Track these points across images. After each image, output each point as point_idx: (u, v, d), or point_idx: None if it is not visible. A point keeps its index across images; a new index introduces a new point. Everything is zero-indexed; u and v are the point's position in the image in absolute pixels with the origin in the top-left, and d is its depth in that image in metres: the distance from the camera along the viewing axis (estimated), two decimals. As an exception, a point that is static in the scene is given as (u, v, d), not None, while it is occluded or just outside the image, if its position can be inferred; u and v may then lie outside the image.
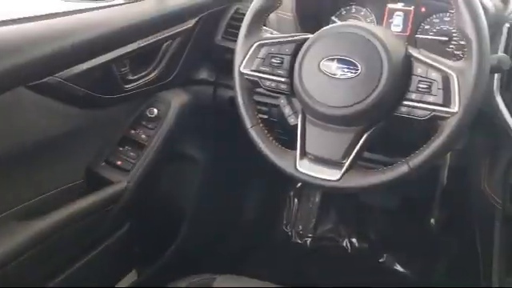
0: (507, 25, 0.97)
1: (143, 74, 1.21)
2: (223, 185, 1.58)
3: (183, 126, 1.28)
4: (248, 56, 0.92)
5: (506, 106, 0.96)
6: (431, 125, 0.79)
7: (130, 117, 1.24)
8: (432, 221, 1.43)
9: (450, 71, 0.77)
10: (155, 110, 1.25)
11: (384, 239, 1.70)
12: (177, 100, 1.28)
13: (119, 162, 1.21)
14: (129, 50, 1.10)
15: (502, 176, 1.00)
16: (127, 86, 1.16)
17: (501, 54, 0.92)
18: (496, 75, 0.96)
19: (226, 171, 1.55)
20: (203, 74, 1.36)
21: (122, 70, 1.14)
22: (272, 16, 1.09)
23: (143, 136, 1.23)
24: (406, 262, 1.65)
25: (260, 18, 0.93)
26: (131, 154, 1.21)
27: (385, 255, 1.68)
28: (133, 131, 1.24)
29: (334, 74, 0.82)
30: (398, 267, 1.66)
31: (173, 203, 1.46)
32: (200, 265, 1.28)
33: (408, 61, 0.81)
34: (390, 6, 1.15)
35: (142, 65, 1.21)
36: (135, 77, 1.19)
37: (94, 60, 1.03)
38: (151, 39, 1.15)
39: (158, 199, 1.35)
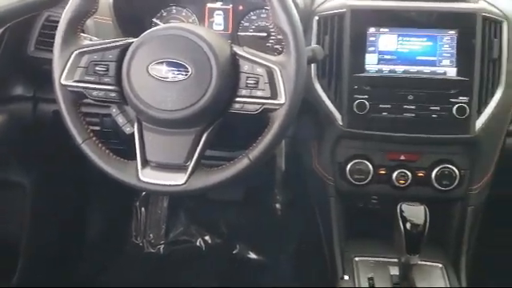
0: (316, 17, 1.07)
1: None
2: (58, 209, 1.45)
3: (2, 150, 1.13)
4: (68, 66, 0.85)
5: (325, 91, 1.06)
6: (263, 117, 0.83)
7: None
8: (277, 205, 1.52)
9: (272, 66, 0.81)
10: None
11: (235, 231, 1.75)
12: (-10, 122, 1.13)
13: None
14: None
15: (329, 155, 1.10)
16: None
17: (314, 45, 1.01)
18: (313, 65, 1.05)
19: (59, 193, 1.43)
20: (19, 90, 1.24)
21: None
22: (89, 22, 1.02)
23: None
24: (257, 248, 1.72)
25: (76, 25, 0.87)
26: None
27: (238, 246, 1.73)
28: None
29: (165, 78, 0.80)
30: (252, 255, 1.72)
31: (2, 239, 1.29)
32: None
33: (234, 59, 0.83)
34: (210, 5, 1.17)
35: None
36: None
37: None
38: None
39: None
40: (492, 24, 1.02)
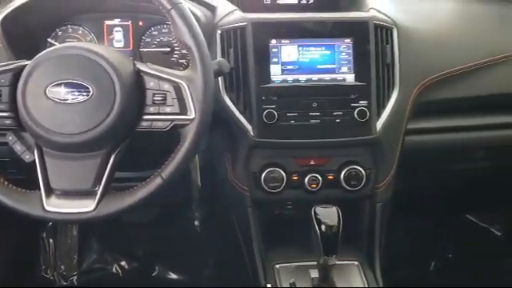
0: (219, 31, 1.07)
1: None
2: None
3: None
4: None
5: (234, 104, 1.07)
6: (174, 133, 0.81)
7: None
8: (195, 222, 1.49)
9: (179, 81, 0.80)
10: None
11: (153, 252, 1.70)
12: None
13: None
14: None
15: (244, 166, 1.11)
16: None
17: (220, 58, 1.01)
18: (220, 78, 1.05)
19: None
20: None
21: None
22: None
23: None
24: (177, 268, 1.68)
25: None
26: None
27: (157, 268, 1.68)
28: None
29: (65, 100, 0.76)
30: (172, 275, 1.68)
31: None
32: None
33: (138, 76, 0.81)
34: (108, 22, 1.14)
35: None
36: None
37: None
38: None
39: None
40: (383, 31, 1.10)
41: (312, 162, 1.11)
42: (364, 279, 1.09)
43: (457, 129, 1.21)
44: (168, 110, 0.80)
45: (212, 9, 1.13)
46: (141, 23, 1.15)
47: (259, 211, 1.16)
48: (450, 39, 1.19)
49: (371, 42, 1.08)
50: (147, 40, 1.15)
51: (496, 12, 1.27)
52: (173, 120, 0.79)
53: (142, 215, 1.63)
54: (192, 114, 0.80)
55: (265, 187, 1.10)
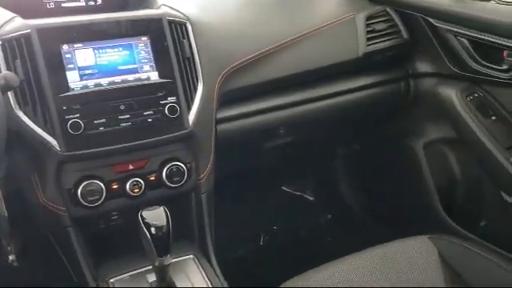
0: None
1: None
2: None
3: None
4: None
5: (31, 119, 0.97)
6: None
7: None
8: (11, 257, 1.33)
9: None
10: None
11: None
12: None
13: None
14: None
15: (55, 185, 1.02)
16: None
17: (5, 72, 0.91)
18: (10, 93, 0.95)
19: None
20: None
21: None
22: None
23: None
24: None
25: None
26: None
27: None
28: None
29: None
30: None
31: None
32: None
33: None
34: None
35: None
36: None
37: None
38: None
39: None
40: (178, 26, 1.11)
41: (131, 167, 1.08)
42: (201, 270, 1.11)
43: (260, 111, 1.30)
44: None
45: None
46: None
47: (82, 229, 1.09)
48: (240, 30, 1.26)
49: (168, 38, 1.08)
50: None
51: (278, 0, 1.39)
52: None
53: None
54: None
55: (83, 203, 1.03)
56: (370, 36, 1.37)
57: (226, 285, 1.11)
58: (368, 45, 1.36)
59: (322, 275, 1.00)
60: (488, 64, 1.27)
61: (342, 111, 1.44)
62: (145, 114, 1.05)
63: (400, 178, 1.62)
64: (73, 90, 1.00)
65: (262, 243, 1.90)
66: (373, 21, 1.39)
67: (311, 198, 2.03)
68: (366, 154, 1.78)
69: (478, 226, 1.41)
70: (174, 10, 1.14)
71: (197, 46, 1.13)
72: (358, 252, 1.06)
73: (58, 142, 0.98)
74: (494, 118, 1.29)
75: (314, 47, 1.31)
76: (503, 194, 1.28)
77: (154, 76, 1.07)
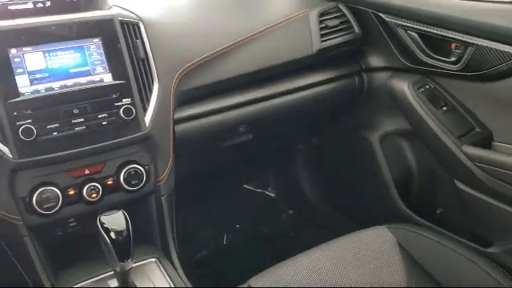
0: None
1: None
2: None
3: None
4: None
5: None
6: None
7: None
8: None
9: None
10: None
11: None
12: None
13: None
14: None
15: (8, 193, 0.99)
16: None
17: None
18: None
19: None
20: None
21: None
22: None
23: None
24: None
25: None
26: None
27: None
28: None
29: None
30: None
31: None
32: None
33: None
34: None
35: None
36: None
37: None
38: None
39: None
40: (130, 27, 1.09)
41: (87, 172, 1.05)
42: (164, 272, 1.10)
43: (219, 110, 1.30)
44: None
45: None
46: None
47: (38, 238, 1.06)
48: (195, 29, 1.25)
49: (120, 39, 1.06)
50: None
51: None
52: None
53: None
54: None
55: (39, 210, 1.00)
56: (323, 32, 1.39)
57: (189, 285, 1.11)
58: (322, 41, 1.38)
59: (286, 270, 1.01)
60: (437, 56, 1.31)
61: (301, 107, 1.45)
62: (99, 117, 1.03)
63: (358, 171, 1.65)
64: (23, 94, 0.97)
65: (225, 242, 1.90)
66: (326, 17, 1.41)
67: (273, 195, 2.05)
68: (324, 148, 1.81)
69: (435, 214, 1.46)
70: (126, 10, 1.12)
71: (151, 47, 1.11)
72: (320, 245, 1.08)
73: (9, 149, 0.95)
74: (444, 108, 1.33)
75: (269, 45, 1.32)
76: (457, 182, 1.32)
77: (108, 78, 1.05)
